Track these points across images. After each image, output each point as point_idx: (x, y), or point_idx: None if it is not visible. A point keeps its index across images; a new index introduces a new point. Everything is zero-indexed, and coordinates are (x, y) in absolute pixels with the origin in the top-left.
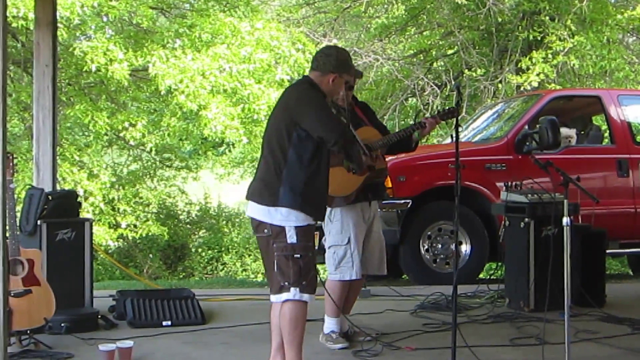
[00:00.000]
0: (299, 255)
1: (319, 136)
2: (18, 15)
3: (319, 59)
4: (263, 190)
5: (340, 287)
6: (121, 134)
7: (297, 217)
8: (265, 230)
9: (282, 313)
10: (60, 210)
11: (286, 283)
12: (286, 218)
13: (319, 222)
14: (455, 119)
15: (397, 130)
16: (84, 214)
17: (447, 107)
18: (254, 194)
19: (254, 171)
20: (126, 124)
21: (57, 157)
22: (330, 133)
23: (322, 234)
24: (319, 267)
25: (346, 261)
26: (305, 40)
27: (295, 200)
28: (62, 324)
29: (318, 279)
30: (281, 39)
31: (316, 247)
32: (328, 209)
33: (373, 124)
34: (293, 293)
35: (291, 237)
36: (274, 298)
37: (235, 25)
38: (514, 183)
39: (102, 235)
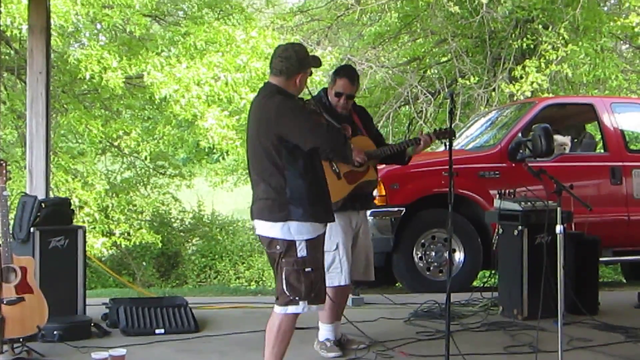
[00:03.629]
0: (310, 269)
1: (313, 147)
2: (13, 24)
3: (279, 65)
4: (272, 207)
5: (333, 293)
6: (115, 143)
7: (309, 229)
8: (278, 247)
9: (272, 323)
10: (53, 218)
11: (296, 298)
12: (298, 232)
13: None
14: (449, 135)
15: (390, 138)
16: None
17: (444, 128)
18: (262, 212)
19: (248, 179)
20: (120, 133)
21: (51, 165)
22: (325, 143)
23: None
24: None
25: (335, 267)
26: None
27: (305, 213)
28: (55, 332)
29: None
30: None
31: None
32: None
33: (369, 131)
34: (302, 306)
35: (301, 251)
36: (279, 309)
37: (230, 34)
38: (507, 191)
39: (98, 248)
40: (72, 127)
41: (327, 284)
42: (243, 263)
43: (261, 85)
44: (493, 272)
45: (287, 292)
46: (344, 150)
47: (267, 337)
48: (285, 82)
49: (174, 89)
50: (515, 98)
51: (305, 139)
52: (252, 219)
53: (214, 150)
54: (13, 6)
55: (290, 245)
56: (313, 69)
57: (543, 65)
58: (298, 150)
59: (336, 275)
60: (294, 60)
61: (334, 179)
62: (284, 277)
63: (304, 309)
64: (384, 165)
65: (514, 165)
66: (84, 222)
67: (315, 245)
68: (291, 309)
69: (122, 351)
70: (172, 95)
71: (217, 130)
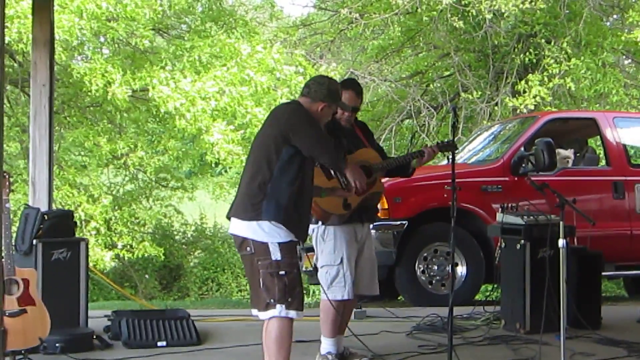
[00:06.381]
0: (284, 272)
1: (311, 155)
2: (21, 39)
3: (310, 86)
4: (247, 206)
5: (335, 307)
6: (122, 160)
7: (280, 232)
8: (248, 248)
9: (268, 331)
10: (56, 230)
11: (272, 300)
12: (269, 234)
13: (310, 242)
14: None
15: (393, 151)
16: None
17: (446, 140)
18: (237, 211)
19: None
20: (126, 149)
21: (55, 178)
22: (323, 155)
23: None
24: (313, 287)
25: (338, 281)
26: (305, 63)
27: (278, 214)
28: (57, 344)
29: (313, 299)
30: (282, 62)
31: (311, 268)
32: (322, 228)
33: (370, 145)
34: (279, 310)
35: (275, 254)
36: (261, 315)
37: (236, 47)
38: (510, 204)
39: (107, 262)
40: (77, 142)
41: (330, 298)
42: (245, 275)
43: (268, 98)
44: (495, 285)
45: (264, 294)
46: (341, 167)
47: (265, 347)
48: (309, 104)
49: (180, 103)
50: (518, 112)
51: (306, 144)
52: (229, 215)
53: (219, 164)
54: (22, 20)
55: (263, 247)
56: None
57: (546, 79)
58: (295, 159)
59: (339, 289)
60: (324, 88)
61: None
62: (261, 280)
63: (280, 313)
64: (386, 179)
65: (516, 179)
66: (90, 235)
67: (289, 249)
68: (270, 312)
69: None
70: (177, 109)
71: (222, 145)
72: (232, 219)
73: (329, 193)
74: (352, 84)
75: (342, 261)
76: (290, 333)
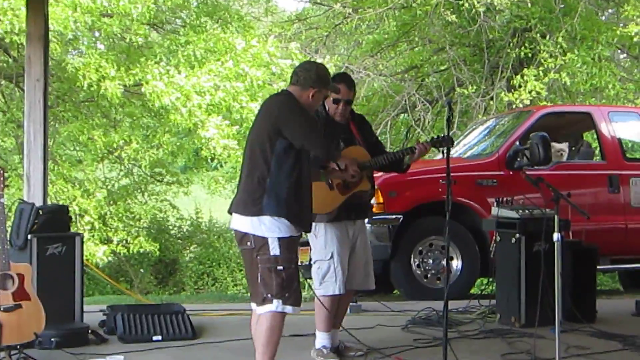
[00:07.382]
0: (281, 268)
1: (303, 146)
2: (13, 31)
3: (299, 74)
4: (247, 201)
5: (329, 302)
6: (116, 153)
7: (281, 227)
8: (249, 243)
9: (260, 322)
10: (50, 225)
11: (269, 295)
12: (269, 229)
13: (306, 237)
14: (447, 143)
15: (388, 146)
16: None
17: (440, 135)
18: (238, 206)
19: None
20: (121, 142)
21: (51, 173)
22: (315, 146)
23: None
24: (309, 281)
25: (329, 276)
26: (301, 57)
27: (279, 208)
28: (52, 339)
29: (309, 293)
30: (277, 55)
31: (307, 262)
32: (313, 224)
33: (367, 140)
34: (276, 305)
35: (274, 249)
36: (258, 310)
37: (230, 42)
38: (505, 198)
39: (100, 257)
40: (71, 136)
41: (322, 293)
42: (241, 270)
43: (263, 93)
44: (491, 279)
45: (262, 288)
46: (334, 155)
47: (256, 339)
48: (300, 92)
49: (176, 97)
50: (514, 106)
51: (297, 135)
52: (230, 211)
53: (214, 159)
54: (15, 12)
55: (263, 242)
56: None
57: (541, 73)
58: (290, 151)
59: (330, 284)
60: (312, 74)
61: (326, 189)
62: (259, 275)
63: (277, 308)
64: (381, 173)
65: (511, 173)
66: (84, 230)
67: (289, 245)
68: (267, 307)
69: (119, 358)
70: (172, 104)
71: (219, 141)
72: (234, 214)
73: (328, 176)
74: (342, 78)
75: (332, 256)
76: (282, 326)
